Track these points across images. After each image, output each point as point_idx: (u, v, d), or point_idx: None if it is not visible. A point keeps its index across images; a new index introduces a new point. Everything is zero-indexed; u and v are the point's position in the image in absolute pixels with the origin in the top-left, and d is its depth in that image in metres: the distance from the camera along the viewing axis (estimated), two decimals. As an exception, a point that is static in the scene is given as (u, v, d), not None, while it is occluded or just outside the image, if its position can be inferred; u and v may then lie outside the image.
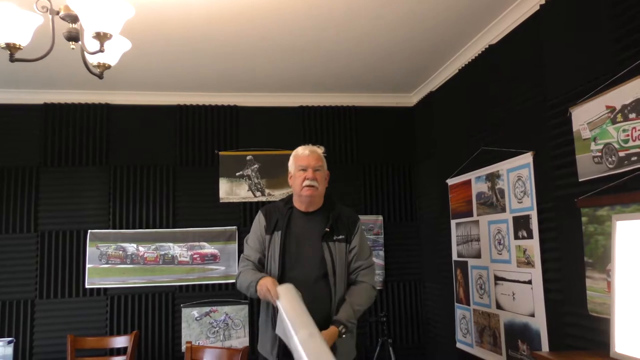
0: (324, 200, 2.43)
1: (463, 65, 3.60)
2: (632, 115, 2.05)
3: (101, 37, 1.68)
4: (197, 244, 4.18)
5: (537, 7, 2.72)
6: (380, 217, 4.42)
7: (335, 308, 2.25)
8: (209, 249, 4.17)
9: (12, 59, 1.78)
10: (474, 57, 3.45)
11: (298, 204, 2.39)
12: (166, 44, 3.27)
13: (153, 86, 4.10)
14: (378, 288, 4.25)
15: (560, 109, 2.50)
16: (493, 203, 3.15)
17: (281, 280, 2.24)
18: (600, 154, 2.23)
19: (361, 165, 4.49)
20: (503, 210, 3.03)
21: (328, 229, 2.31)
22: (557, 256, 2.56)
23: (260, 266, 2.36)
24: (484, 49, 3.30)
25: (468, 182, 3.46)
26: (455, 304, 3.66)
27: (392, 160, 4.54)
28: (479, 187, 3.33)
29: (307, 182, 2.31)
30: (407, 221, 4.47)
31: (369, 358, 3.99)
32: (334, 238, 2.31)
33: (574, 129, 2.40)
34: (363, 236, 2.42)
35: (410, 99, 4.59)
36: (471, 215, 3.42)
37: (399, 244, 4.43)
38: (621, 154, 2.11)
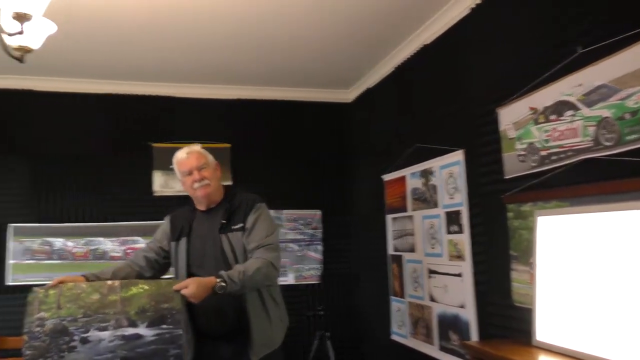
0: (224, 192, 2.42)
1: (399, 63, 3.67)
2: (553, 117, 2.17)
3: (20, 18, 1.57)
4: (130, 238, 4.04)
5: (469, 10, 2.82)
6: (319, 212, 4.45)
7: (245, 302, 2.19)
8: (142, 243, 4.03)
9: None
10: (409, 56, 3.52)
11: (198, 205, 2.40)
12: (99, 30, 3.12)
13: (84, 73, 3.90)
14: (315, 282, 4.33)
15: (488, 109, 2.60)
16: (427, 199, 3.24)
17: None
18: (524, 152, 2.34)
19: (299, 160, 4.49)
20: (436, 205, 3.12)
21: (224, 221, 2.29)
22: (485, 250, 2.67)
23: (152, 252, 2.44)
24: (418, 49, 3.38)
25: (403, 178, 3.55)
26: (391, 296, 3.75)
27: (330, 155, 4.57)
28: (413, 183, 3.41)
29: (197, 185, 2.30)
30: (344, 216, 4.52)
31: (307, 352, 4.00)
32: (232, 228, 2.28)
33: (500, 128, 2.50)
34: (260, 217, 2.30)
35: (348, 95, 4.63)
36: (406, 210, 3.51)
37: (336, 238, 4.47)
38: (543, 153, 2.22)
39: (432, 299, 3.16)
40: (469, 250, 2.78)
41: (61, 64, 3.68)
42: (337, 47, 3.57)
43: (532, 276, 2.20)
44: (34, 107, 3.98)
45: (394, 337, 3.71)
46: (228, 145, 4.29)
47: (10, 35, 1.73)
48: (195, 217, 2.39)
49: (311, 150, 4.53)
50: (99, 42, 3.32)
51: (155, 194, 4.11)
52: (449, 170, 2.99)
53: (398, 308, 3.65)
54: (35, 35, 1.94)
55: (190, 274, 2.31)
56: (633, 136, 1.79)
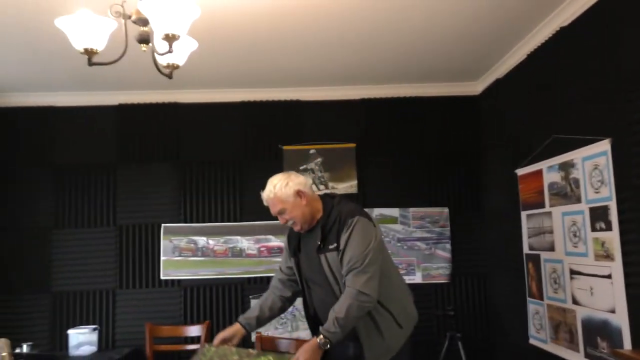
0: (323, 207, 2.41)
1: (532, 50, 3.45)
2: None
3: (170, 39, 1.76)
4: (263, 237, 4.27)
5: (613, -16, 2.56)
6: (446, 209, 4.33)
7: None
8: (275, 241, 4.26)
9: (90, 63, 1.90)
10: (544, 41, 3.29)
11: None
12: (229, 42, 3.35)
13: (219, 84, 4.22)
14: (444, 281, 4.22)
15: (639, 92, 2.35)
16: (567, 193, 3.00)
17: (306, 298, 2.48)
18: (687, 139, 2.06)
19: (425, 157, 4.41)
20: (578, 200, 2.88)
21: (319, 243, 2.32)
22: (639, 249, 2.40)
23: (282, 274, 2.62)
24: (555, 32, 3.14)
25: (539, 172, 3.32)
26: (528, 298, 3.53)
27: (457, 151, 4.43)
28: (551, 177, 3.18)
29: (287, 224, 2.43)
30: (473, 213, 4.35)
31: (437, 352, 3.93)
32: (328, 248, 2.29)
33: (657, 112, 2.24)
34: (351, 236, 2.25)
35: (476, 87, 4.45)
36: (543, 206, 3.28)
37: (465, 236, 4.33)
38: None
39: (576, 302, 2.92)
40: (619, 250, 2.52)
41: (199, 77, 4.01)
42: (464, 38, 3.44)
43: (700, 279, 1.94)
44: (180, 117, 4.39)
45: (532, 342, 3.49)
46: (353, 145, 4.35)
47: (161, 55, 1.94)
48: (301, 237, 2.48)
49: (437, 146, 4.43)
50: (231, 54, 3.56)
51: (286, 194, 4.30)
52: (593, 162, 2.74)
53: (536, 310, 3.42)
54: (180, 53, 2.15)
55: (306, 287, 2.48)
56: None
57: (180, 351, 3.95)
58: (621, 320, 2.51)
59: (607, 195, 2.62)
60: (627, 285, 2.47)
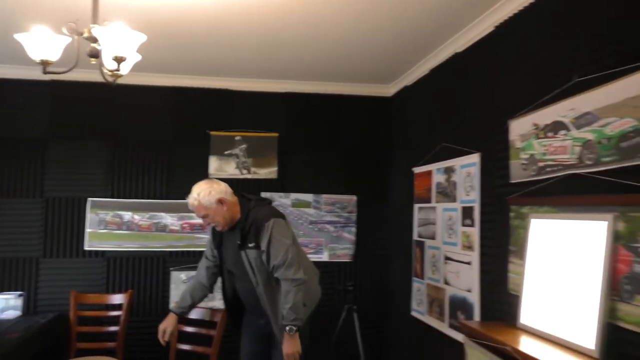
0: (241, 210, 2.82)
1: (434, 66, 4.00)
2: (550, 134, 2.50)
3: (118, 59, 2.07)
4: (187, 214, 4.60)
5: (492, 28, 3.13)
6: (355, 197, 4.88)
7: (261, 298, 2.80)
8: (197, 219, 4.59)
9: (45, 72, 2.16)
10: (443, 61, 3.84)
11: None
12: (166, 33, 3.59)
13: (153, 68, 4.41)
14: (347, 260, 4.80)
15: (502, 120, 2.94)
16: (448, 193, 3.62)
17: (225, 283, 3.04)
18: (526, 162, 2.68)
19: (340, 150, 4.91)
20: (454, 200, 3.50)
21: (239, 242, 2.77)
22: (491, 243, 3.05)
23: (209, 261, 3.08)
24: (450, 56, 3.70)
25: (429, 173, 3.93)
26: (413, 277, 4.18)
27: (369, 146, 4.96)
28: (438, 177, 3.79)
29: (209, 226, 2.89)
30: (378, 202, 4.93)
31: (335, 321, 4.49)
32: (247, 246, 2.76)
33: (510, 138, 2.85)
34: (272, 237, 2.70)
35: (389, 90, 4.98)
36: (430, 201, 3.90)
37: (369, 222, 4.90)
38: (540, 164, 2.57)
39: (447, 282, 3.58)
40: (477, 242, 3.16)
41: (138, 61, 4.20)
42: (379, 47, 3.83)
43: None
44: (114, 97, 4.54)
45: (414, 314, 4.16)
46: (276, 134, 4.76)
47: (109, 71, 2.23)
48: (223, 232, 2.92)
49: (352, 141, 4.93)
50: (166, 43, 3.80)
51: (211, 177, 4.66)
52: (467, 169, 3.35)
53: (418, 288, 4.08)
54: (125, 66, 2.44)
55: (226, 273, 2.99)
56: (607, 159, 2.12)
57: (102, 317, 4.22)
58: (474, 298, 3.17)
59: (474, 198, 3.24)
60: (481, 271, 3.13)
